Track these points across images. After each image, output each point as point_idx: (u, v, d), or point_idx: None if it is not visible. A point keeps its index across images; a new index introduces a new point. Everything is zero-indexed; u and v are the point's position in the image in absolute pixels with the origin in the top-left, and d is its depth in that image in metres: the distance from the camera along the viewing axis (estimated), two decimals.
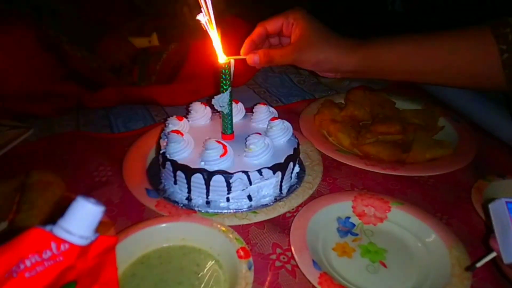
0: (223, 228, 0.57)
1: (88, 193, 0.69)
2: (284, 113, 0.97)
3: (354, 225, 0.65)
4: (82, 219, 0.31)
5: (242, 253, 0.54)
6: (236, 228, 0.60)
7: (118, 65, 1.01)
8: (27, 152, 0.80)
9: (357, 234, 0.64)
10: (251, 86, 1.17)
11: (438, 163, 0.78)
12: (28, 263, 0.28)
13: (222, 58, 0.65)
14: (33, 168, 0.66)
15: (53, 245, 0.29)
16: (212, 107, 0.71)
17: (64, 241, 0.30)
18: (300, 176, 0.73)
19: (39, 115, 0.95)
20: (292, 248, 0.57)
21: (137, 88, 1.05)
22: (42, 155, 0.80)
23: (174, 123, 0.72)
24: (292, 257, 0.57)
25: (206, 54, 0.71)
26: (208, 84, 1.03)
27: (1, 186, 0.61)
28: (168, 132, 0.68)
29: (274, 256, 0.59)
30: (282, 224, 0.65)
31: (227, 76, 0.66)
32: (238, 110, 0.79)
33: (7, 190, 0.61)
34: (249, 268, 0.51)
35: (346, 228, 0.65)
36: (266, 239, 0.62)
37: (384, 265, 0.59)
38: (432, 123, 0.89)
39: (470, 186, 0.71)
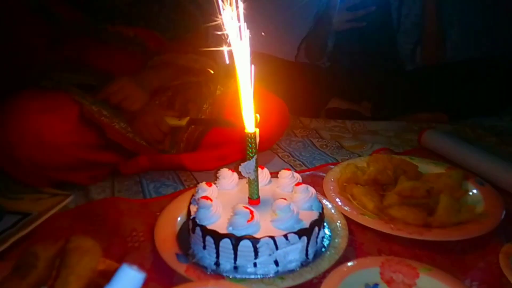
0: None
1: (121, 258, 0.72)
2: (308, 177, 1.00)
3: None
4: (126, 285, 0.34)
5: None
6: None
7: (152, 140, 1.09)
8: (66, 219, 0.85)
9: None
10: (275, 150, 1.22)
11: (465, 227, 0.77)
12: None
13: (249, 128, 0.70)
14: (72, 234, 0.71)
15: None
16: (239, 172, 0.75)
17: None
18: (326, 241, 0.74)
19: (76, 182, 1.01)
20: None
21: (167, 155, 1.11)
22: (79, 221, 0.85)
23: (203, 189, 0.76)
24: None
25: (235, 120, 0.76)
26: (234, 151, 1.09)
27: (42, 252, 0.65)
28: (198, 198, 0.72)
29: None
30: None
31: (253, 144, 0.71)
32: (264, 176, 0.83)
33: (48, 256, 0.65)
34: None
35: None
36: None
37: None
38: (456, 186, 0.89)
39: (498, 250, 0.70)
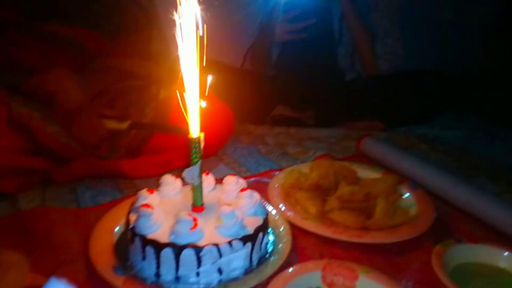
0: None
1: (52, 272, 0.66)
2: (253, 183, 1.00)
3: None
4: None
5: None
6: None
7: (88, 145, 1.03)
8: None
9: None
10: (220, 157, 1.21)
11: (400, 229, 0.81)
12: None
13: (194, 131, 0.68)
14: None
15: None
16: (183, 179, 0.73)
17: None
18: (270, 247, 0.74)
19: (2, 191, 0.93)
20: None
21: (106, 161, 1.05)
22: (5, 233, 0.77)
23: (144, 197, 0.73)
24: None
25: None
26: (178, 157, 1.06)
27: None
28: (138, 206, 0.69)
29: None
30: None
31: (197, 149, 0.69)
32: (208, 182, 0.81)
33: None
34: None
35: None
36: None
37: None
38: (391, 190, 0.94)
39: (430, 251, 0.74)
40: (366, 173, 1.04)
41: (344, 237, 0.78)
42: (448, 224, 0.88)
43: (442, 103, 1.62)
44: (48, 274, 0.65)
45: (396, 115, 1.56)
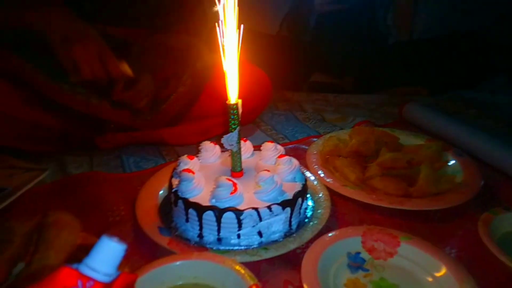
0: (236, 266, 0.58)
1: (102, 233, 0.70)
2: (290, 150, 1.00)
3: (364, 260, 0.66)
4: (106, 257, 0.33)
5: None
6: (247, 265, 0.60)
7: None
8: (43, 194, 0.83)
9: (368, 270, 0.64)
10: (257, 124, 1.21)
11: (444, 197, 0.79)
12: None
13: (232, 98, 0.68)
14: (49, 209, 0.68)
15: (79, 282, 0.31)
16: (221, 145, 0.74)
17: (90, 279, 0.31)
18: (309, 212, 0.75)
19: (53, 152, 0.98)
20: (304, 285, 0.58)
21: (147, 131, 1.08)
22: (57, 196, 0.82)
23: (185, 162, 0.75)
24: None
25: (218, 94, 0.74)
26: (217, 124, 1.07)
27: (18, 228, 0.63)
28: (180, 171, 0.71)
29: None
30: (292, 260, 0.65)
31: (235, 116, 0.69)
32: (247, 148, 0.82)
33: (24, 231, 0.63)
34: None
35: (356, 264, 0.65)
36: (278, 275, 0.63)
37: None
38: (436, 157, 0.91)
39: (476, 219, 0.71)
40: (408, 139, 1.00)
41: (385, 203, 0.76)
42: (496, 191, 0.84)
43: (489, 67, 1.52)
44: (98, 234, 0.69)
45: (441, 79, 1.49)
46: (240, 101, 0.70)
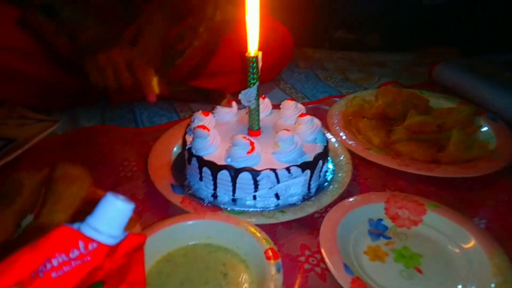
0: (251, 228, 0.55)
1: (113, 188, 0.68)
2: (311, 110, 0.94)
3: (386, 228, 0.62)
4: (111, 217, 0.29)
5: (270, 254, 0.51)
6: (262, 227, 0.58)
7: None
8: (53, 146, 0.81)
9: (390, 238, 0.61)
10: (276, 82, 1.15)
11: (476, 164, 0.73)
12: (55, 262, 0.27)
13: (252, 49, 0.63)
14: (59, 161, 0.66)
15: (81, 244, 0.28)
16: (238, 102, 0.69)
17: (92, 240, 0.28)
18: (329, 175, 0.71)
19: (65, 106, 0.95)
20: (322, 251, 0.55)
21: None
22: (68, 148, 0.80)
23: (200, 119, 0.70)
24: (322, 260, 0.55)
25: (236, 49, 0.69)
26: (234, 81, 1.01)
27: (27, 180, 0.60)
28: (194, 128, 0.67)
29: (303, 258, 0.56)
30: (310, 225, 0.62)
31: (255, 70, 0.64)
32: (265, 106, 0.77)
33: (33, 183, 0.60)
34: (278, 270, 0.49)
35: (378, 231, 0.62)
36: (294, 239, 0.60)
37: (420, 271, 0.56)
38: (468, 122, 0.84)
39: (509, 189, 0.66)
40: (439, 102, 0.93)
41: (411, 169, 0.72)
42: None
43: None
44: (109, 190, 0.67)
45: (474, 41, 1.38)
46: (260, 53, 0.64)
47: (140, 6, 1.02)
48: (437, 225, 0.62)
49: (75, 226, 0.29)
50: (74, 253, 0.28)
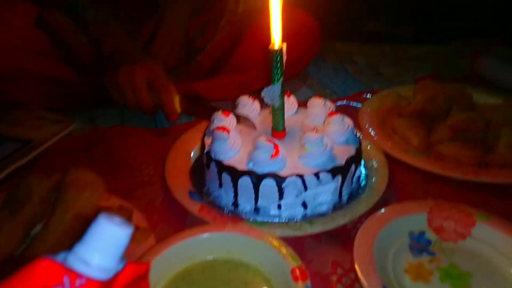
0: (275, 243, 0.49)
1: (128, 194, 0.63)
2: (339, 108, 0.86)
3: (430, 242, 0.55)
4: (103, 245, 0.24)
5: (298, 273, 0.45)
6: (288, 240, 0.52)
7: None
8: (69, 148, 0.77)
9: (434, 253, 0.54)
10: (301, 78, 1.08)
11: None
12: None
13: (276, 41, 0.56)
14: (74, 164, 0.62)
15: (65, 280, 0.23)
16: (261, 101, 0.64)
17: (80, 276, 0.23)
18: (362, 181, 0.64)
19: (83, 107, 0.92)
20: (357, 269, 0.48)
21: (182, 84, 0.99)
22: (83, 151, 0.77)
23: (220, 119, 0.65)
24: (357, 279, 0.48)
25: (260, 43, 0.63)
26: (256, 77, 0.95)
27: (37, 186, 0.57)
28: (213, 129, 0.61)
29: (334, 278, 0.50)
30: (342, 238, 0.56)
31: (279, 64, 0.58)
32: (290, 104, 0.71)
33: (43, 190, 0.57)
34: None
35: (420, 246, 0.54)
36: (324, 255, 0.53)
37: None
38: None
39: None
40: (483, 97, 0.85)
41: (456, 174, 0.64)
42: None
43: None
44: (124, 196, 0.63)
45: None
46: (284, 45, 0.58)
47: None
48: (488, 238, 0.54)
49: (60, 257, 0.23)
50: None
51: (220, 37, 1.01)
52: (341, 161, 0.58)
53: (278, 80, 0.59)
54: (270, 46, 0.57)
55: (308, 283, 0.44)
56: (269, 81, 0.60)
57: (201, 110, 0.81)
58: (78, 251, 0.24)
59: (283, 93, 0.61)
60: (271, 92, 0.60)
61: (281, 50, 0.57)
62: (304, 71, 1.11)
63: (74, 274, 0.23)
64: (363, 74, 1.08)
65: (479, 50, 1.11)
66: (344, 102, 0.93)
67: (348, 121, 0.63)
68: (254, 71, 0.98)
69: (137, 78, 0.78)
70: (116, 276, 0.25)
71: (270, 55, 0.57)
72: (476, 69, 1.02)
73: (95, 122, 0.89)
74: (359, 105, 0.88)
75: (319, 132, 0.60)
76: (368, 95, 0.91)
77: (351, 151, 0.60)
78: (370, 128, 0.77)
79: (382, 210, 0.57)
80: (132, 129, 0.85)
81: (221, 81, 1.01)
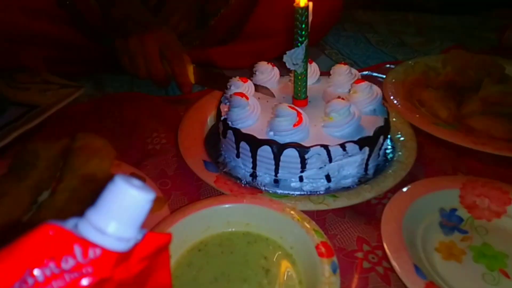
0: (298, 216, 0.46)
1: (140, 163, 0.60)
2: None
3: (462, 219, 0.51)
4: (122, 211, 0.21)
5: (323, 249, 0.42)
6: (309, 214, 0.48)
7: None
8: (77, 113, 0.74)
9: (466, 232, 0.50)
10: (321, 47, 1.03)
11: None
12: (39, 276, 0.19)
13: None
14: (82, 130, 0.59)
15: (77, 250, 0.19)
16: (280, 68, 0.59)
17: (94, 245, 0.19)
18: (389, 155, 0.60)
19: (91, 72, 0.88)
20: (385, 246, 0.45)
21: (195, 50, 0.94)
22: (92, 117, 0.73)
23: (237, 85, 0.61)
24: (384, 257, 0.45)
25: (277, 7, 0.58)
26: (274, 45, 0.90)
27: (43, 151, 0.54)
28: (231, 95, 0.57)
29: (360, 254, 0.47)
30: (367, 213, 0.52)
31: (303, 24, 0.53)
32: (312, 71, 0.66)
33: (50, 155, 0.54)
34: (334, 271, 0.40)
35: (451, 223, 0.51)
36: (348, 230, 0.50)
37: (507, 275, 0.45)
38: None
39: None
40: None
41: (489, 149, 0.59)
42: None
43: None
44: (135, 164, 0.59)
45: None
46: (311, 4, 0.53)
47: None
48: None
49: (70, 223, 0.20)
50: (68, 263, 0.19)
51: (234, 1, 0.95)
52: (369, 131, 0.54)
53: (302, 42, 0.54)
54: (295, 3, 0.52)
55: (334, 260, 0.41)
56: (288, 47, 0.55)
57: (216, 80, 0.77)
58: (91, 217, 0.20)
59: (307, 57, 0.56)
60: (293, 56, 0.55)
61: (307, 7, 0.52)
62: (322, 41, 1.05)
63: (87, 244, 0.19)
64: (386, 43, 1.02)
65: (506, 22, 1.04)
66: (366, 72, 0.88)
67: (376, 90, 0.59)
68: (271, 38, 0.92)
69: (149, 47, 0.75)
70: (134, 247, 0.22)
71: (295, 14, 0.52)
72: (506, 40, 0.95)
73: (104, 88, 0.85)
74: (381, 76, 0.83)
75: (346, 100, 0.55)
76: (392, 66, 0.86)
77: (379, 121, 0.56)
78: (396, 100, 0.72)
79: (411, 186, 0.53)
80: (143, 95, 0.81)
81: (236, 49, 0.96)
